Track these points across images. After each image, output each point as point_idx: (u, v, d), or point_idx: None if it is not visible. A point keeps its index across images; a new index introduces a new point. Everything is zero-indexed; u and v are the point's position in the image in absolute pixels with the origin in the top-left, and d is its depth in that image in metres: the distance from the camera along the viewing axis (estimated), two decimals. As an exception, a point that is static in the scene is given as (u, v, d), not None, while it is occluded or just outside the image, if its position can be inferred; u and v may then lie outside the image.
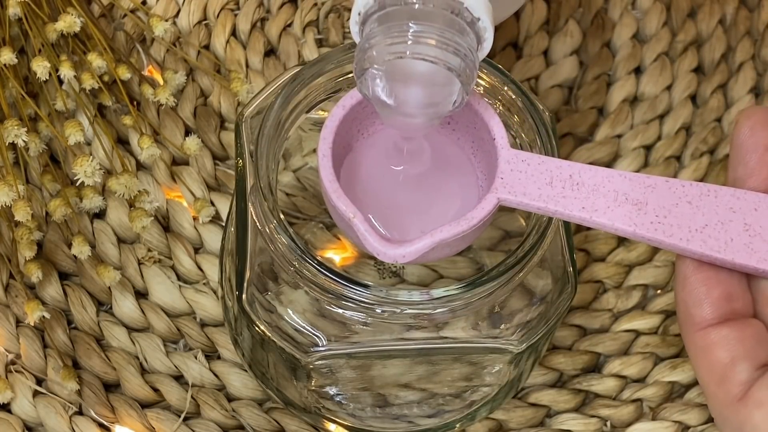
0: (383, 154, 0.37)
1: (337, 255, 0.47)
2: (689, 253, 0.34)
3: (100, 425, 0.44)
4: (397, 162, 0.37)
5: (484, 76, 0.38)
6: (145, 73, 0.51)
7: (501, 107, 0.38)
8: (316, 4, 0.54)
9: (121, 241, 0.47)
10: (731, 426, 0.33)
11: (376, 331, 0.37)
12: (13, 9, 0.45)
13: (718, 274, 0.34)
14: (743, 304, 0.34)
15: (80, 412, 0.44)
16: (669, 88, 0.53)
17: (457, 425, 0.44)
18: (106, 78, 0.48)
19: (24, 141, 0.44)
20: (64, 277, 0.47)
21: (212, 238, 0.48)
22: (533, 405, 0.46)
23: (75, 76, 0.46)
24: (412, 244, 0.34)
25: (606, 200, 0.34)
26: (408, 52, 0.32)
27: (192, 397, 0.45)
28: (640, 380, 0.47)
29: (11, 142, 0.43)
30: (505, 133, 0.36)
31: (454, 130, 0.38)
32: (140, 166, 0.49)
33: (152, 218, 0.45)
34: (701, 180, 0.51)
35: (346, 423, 0.43)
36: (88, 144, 0.49)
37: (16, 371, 0.44)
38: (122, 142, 0.50)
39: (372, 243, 0.34)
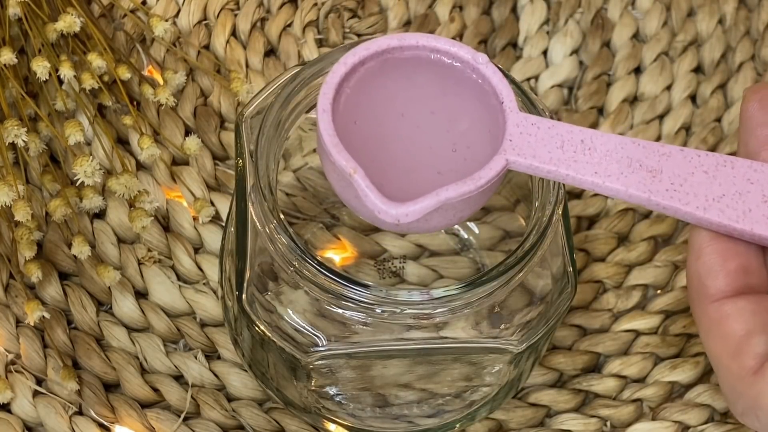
0: (385, 111, 0.36)
1: (337, 255, 0.47)
2: (706, 222, 0.33)
3: (100, 425, 0.44)
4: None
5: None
6: (145, 73, 0.51)
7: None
8: (316, 4, 0.54)
9: (121, 241, 0.47)
10: (744, 400, 0.32)
11: (376, 331, 0.37)
12: (13, 9, 0.45)
13: (735, 246, 0.33)
14: (759, 280, 0.33)
15: (80, 412, 0.44)
16: (669, 88, 0.53)
17: (457, 425, 0.44)
18: (106, 78, 0.48)
19: (24, 141, 0.44)
20: (64, 277, 0.47)
21: (212, 238, 0.48)
22: (533, 405, 0.46)
23: (75, 76, 0.46)
24: (415, 203, 0.32)
25: (619, 166, 0.33)
26: None
27: (192, 397, 0.45)
28: (640, 380, 0.47)
29: (11, 142, 0.43)
30: (513, 96, 0.35)
31: (460, 95, 0.37)
32: (140, 166, 0.49)
33: (152, 218, 0.45)
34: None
35: (346, 423, 0.43)
36: (88, 144, 0.49)
37: (16, 371, 0.44)
38: (122, 142, 0.50)
39: (373, 200, 0.32)
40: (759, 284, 0.33)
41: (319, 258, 0.35)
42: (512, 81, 0.37)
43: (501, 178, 0.34)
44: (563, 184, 0.37)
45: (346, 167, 0.33)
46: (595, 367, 0.47)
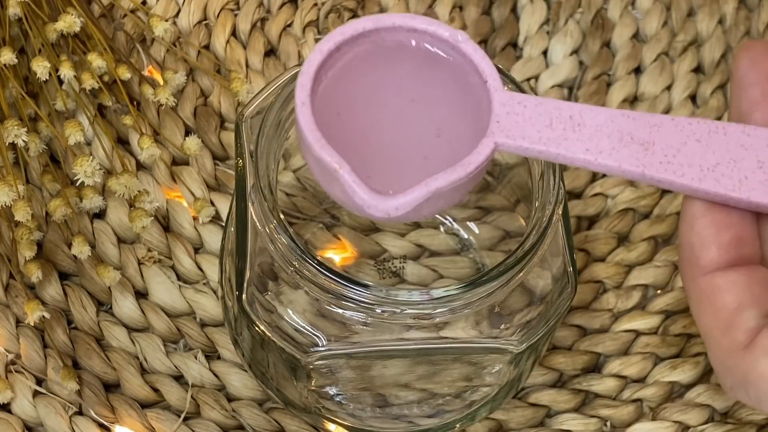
0: (365, 102, 0.35)
1: (337, 255, 0.47)
2: (702, 193, 0.32)
3: (100, 425, 0.44)
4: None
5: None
6: (145, 73, 0.51)
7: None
8: (316, 4, 0.54)
9: (121, 241, 0.47)
10: (734, 375, 0.32)
11: (376, 331, 0.37)
12: (13, 9, 0.45)
13: (729, 217, 0.32)
14: (752, 251, 0.33)
15: (80, 412, 0.44)
16: (669, 88, 0.53)
17: (457, 425, 0.44)
18: (106, 78, 0.48)
19: (24, 141, 0.44)
20: (64, 277, 0.47)
21: (212, 238, 0.48)
22: (533, 405, 0.46)
23: (75, 76, 0.45)
24: (405, 195, 0.32)
25: (611, 141, 0.32)
26: None
27: (192, 397, 0.45)
28: (640, 380, 0.47)
29: (11, 142, 0.43)
30: (497, 74, 0.34)
31: (440, 80, 0.35)
32: (140, 166, 0.49)
33: (152, 218, 0.45)
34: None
35: (346, 423, 0.43)
36: (88, 144, 0.49)
37: (16, 371, 0.44)
38: (122, 142, 0.50)
39: (361, 196, 0.31)
40: (752, 255, 0.33)
41: (319, 258, 0.35)
42: (512, 81, 0.37)
43: (489, 163, 0.33)
44: (563, 184, 0.37)
45: (331, 163, 0.32)
46: (595, 367, 0.47)
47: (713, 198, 0.32)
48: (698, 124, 0.33)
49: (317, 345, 0.38)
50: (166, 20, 0.48)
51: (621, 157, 0.32)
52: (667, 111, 0.53)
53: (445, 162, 0.33)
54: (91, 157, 0.43)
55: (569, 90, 0.53)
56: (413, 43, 0.35)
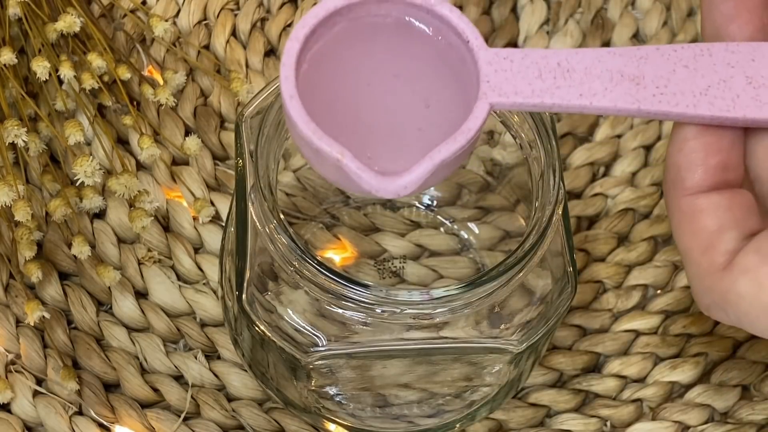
0: (350, 83, 0.34)
1: (337, 255, 0.47)
2: (698, 119, 0.32)
3: (100, 425, 0.44)
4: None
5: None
6: (145, 73, 0.51)
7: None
8: (315, 4, 0.53)
9: (121, 241, 0.47)
10: (712, 295, 0.32)
11: (376, 331, 0.37)
12: (13, 9, 0.45)
13: (719, 141, 0.33)
14: (736, 176, 0.33)
15: (80, 412, 0.44)
16: (669, 88, 0.53)
17: (457, 425, 0.44)
18: (106, 78, 0.48)
19: (24, 141, 0.44)
20: (64, 277, 0.47)
21: (212, 238, 0.48)
22: (533, 405, 0.46)
23: (75, 76, 0.45)
24: (411, 172, 0.31)
25: (602, 82, 0.32)
26: None
27: (192, 397, 0.45)
28: (640, 380, 0.47)
29: (11, 142, 0.43)
30: (478, 32, 0.33)
31: (419, 52, 0.34)
32: (140, 166, 0.49)
33: (152, 218, 0.45)
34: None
35: (346, 423, 0.43)
36: (88, 144, 0.49)
37: (16, 371, 0.44)
38: (122, 142, 0.50)
39: (368, 181, 0.31)
40: (736, 180, 0.33)
41: (319, 258, 0.35)
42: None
43: (484, 125, 0.33)
44: (563, 184, 0.37)
45: (332, 153, 0.31)
46: (595, 367, 0.47)
47: (709, 122, 0.33)
48: (683, 49, 0.33)
49: (317, 345, 0.38)
50: (166, 20, 0.48)
51: (615, 96, 0.32)
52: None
53: (440, 130, 0.32)
54: (91, 157, 0.43)
55: (569, 90, 0.53)
56: (388, 17, 0.34)
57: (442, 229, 0.48)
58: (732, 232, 0.32)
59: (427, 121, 0.33)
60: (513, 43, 0.54)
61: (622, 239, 0.50)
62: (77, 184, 0.44)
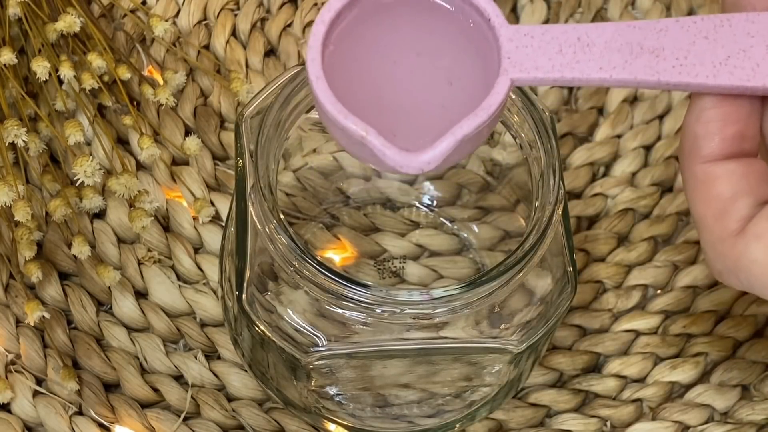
0: (375, 62, 0.35)
1: (337, 255, 0.47)
2: (718, 89, 0.33)
3: (100, 425, 0.44)
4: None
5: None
6: (145, 73, 0.51)
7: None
8: (316, 4, 0.54)
9: (121, 241, 0.47)
10: (725, 262, 0.33)
11: (376, 331, 0.37)
12: (13, 9, 0.45)
13: (738, 112, 0.33)
14: (752, 146, 0.33)
15: (80, 412, 0.44)
16: (669, 88, 0.53)
17: (457, 425, 0.44)
18: (106, 78, 0.48)
19: (24, 141, 0.44)
20: (64, 277, 0.47)
21: (212, 238, 0.48)
22: (533, 405, 0.46)
23: (75, 76, 0.45)
24: (434, 148, 0.32)
25: (622, 54, 0.33)
26: None
27: (192, 397, 0.45)
28: (640, 380, 0.47)
29: (11, 142, 0.43)
30: (499, 10, 0.34)
31: (440, 30, 0.35)
32: (140, 166, 0.49)
33: (152, 218, 0.45)
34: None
35: (346, 423, 0.43)
36: (88, 144, 0.49)
37: (16, 371, 0.44)
38: (122, 142, 0.50)
39: (393, 157, 0.32)
40: (751, 150, 0.33)
41: (319, 258, 0.35)
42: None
43: (506, 101, 0.33)
44: (563, 184, 0.37)
45: (357, 131, 0.32)
46: (595, 367, 0.47)
47: (729, 91, 0.33)
48: (703, 21, 0.33)
49: (317, 345, 0.38)
50: (166, 20, 0.48)
51: (635, 68, 0.33)
52: (667, 111, 0.53)
53: (463, 107, 0.33)
54: (91, 157, 0.43)
55: (569, 90, 0.53)
56: None
57: (442, 229, 0.48)
58: (746, 199, 0.32)
59: (450, 99, 0.34)
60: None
61: (622, 239, 0.50)
62: (77, 184, 0.44)
